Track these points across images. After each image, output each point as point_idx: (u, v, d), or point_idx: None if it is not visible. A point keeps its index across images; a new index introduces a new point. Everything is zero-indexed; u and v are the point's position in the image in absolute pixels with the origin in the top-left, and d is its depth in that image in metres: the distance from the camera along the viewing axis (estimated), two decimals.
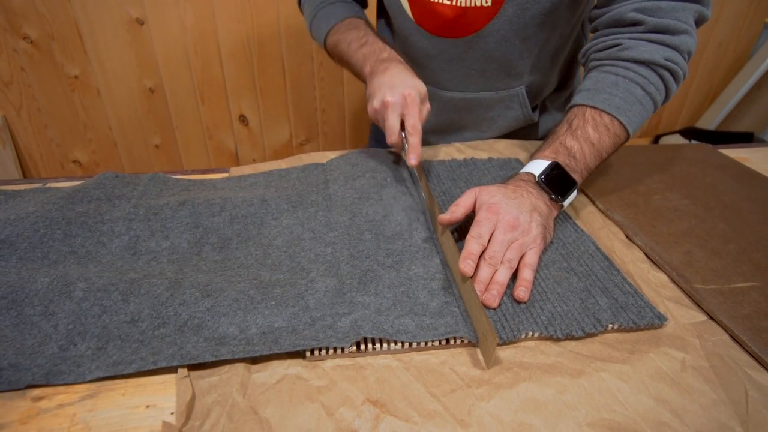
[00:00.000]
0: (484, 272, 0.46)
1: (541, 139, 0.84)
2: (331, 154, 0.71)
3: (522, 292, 0.45)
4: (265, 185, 0.63)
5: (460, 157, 0.73)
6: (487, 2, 0.65)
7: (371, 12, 0.82)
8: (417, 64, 0.75)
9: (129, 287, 0.45)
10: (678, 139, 1.79)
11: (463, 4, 0.66)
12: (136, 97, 1.41)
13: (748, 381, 0.38)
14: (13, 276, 0.45)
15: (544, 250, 0.52)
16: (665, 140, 1.82)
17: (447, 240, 0.51)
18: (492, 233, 0.48)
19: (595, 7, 0.63)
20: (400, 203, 0.58)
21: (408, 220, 0.55)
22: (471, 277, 0.45)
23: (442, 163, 0.70)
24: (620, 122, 0.57)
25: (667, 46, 0.57)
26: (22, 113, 1.38)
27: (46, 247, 0.50)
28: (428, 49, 0.73)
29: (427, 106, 0.63)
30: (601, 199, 0.62)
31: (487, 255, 0.47)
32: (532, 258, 0.48)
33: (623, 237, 0.56)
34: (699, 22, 0.59)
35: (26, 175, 1.48)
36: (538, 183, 0.54)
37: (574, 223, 0.57)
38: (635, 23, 0.58)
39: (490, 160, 0.71)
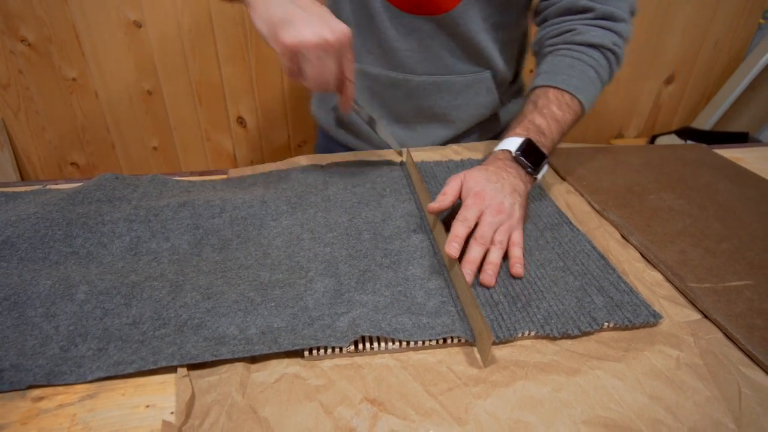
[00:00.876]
0: (475, 252, 0.49)
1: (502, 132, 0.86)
2: (330, 157, 0.72)
3: (517, 268, 0.49)
4: (264, 186, 0.64)
5: (456, 158, 0.73)
6: None
7: None
8: (385, 47, 0.73)
9: (131, 291, 0.45)
10: (674, 139, 1.80)
11: None
12: (134, 99, 1.42)
13: (741, 378, 0.39)
14: (15, 278, 0.46)
15: (532, 237, 0.55)
16: (661, 140, 1.83)
17: (440, 231, 0.52)
18: (479, 217, 0.51)
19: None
20: (399, 211, 0.58)
21: (406, 223, 0.56)
22: (461, 261, 0.47)
23: (439, 164, 0.70)
24: (579, 100, 0.63)
25: (613, 32, 0.64)
26: (20, 115, 1.38)
27: (47, 247, 0.50)
28: (398, 27, 0.71)
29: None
30: (597, 199, 0.63)
31: (477, 235, 0.50)
32: (518, 237, 0.52)
33: (619, 236, 0.57)
34: (632, 14, 0.66)
35: (24, 178, 1.48)
36: (515, 158, 0.57)
37: (570, 223, 0.57)
38: (586, 9, 0.64)
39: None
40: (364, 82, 0.77)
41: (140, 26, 1.31)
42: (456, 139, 0.82)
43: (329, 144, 0.88)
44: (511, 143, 0.59)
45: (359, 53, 0.75)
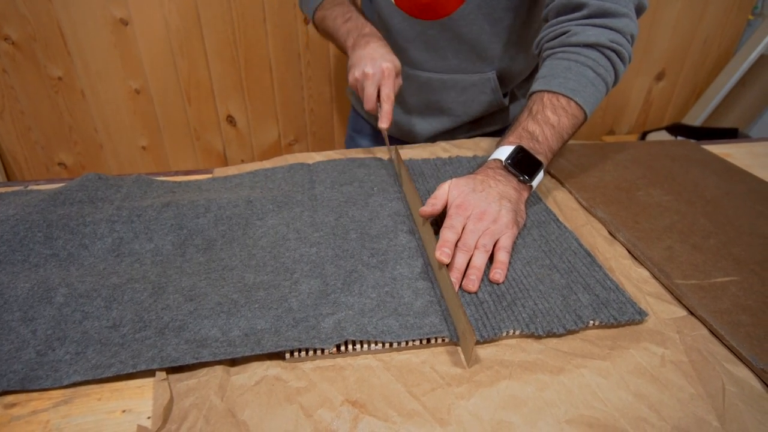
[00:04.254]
0: (459, 259, 0.48)
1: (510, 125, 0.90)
2: (317, 156, 0.71)
3: (498, 274, 0.48)
4: (250, 186, 0.63)
5: (445, 155, 0.73)
6: None
7: None
8: (397, 47, 0.78)
9: (112, 293, 0.44)
10: (664, 135, 1.81)
11: None
12: (122, 98, 1.40)
13: (725, 375, 0.39)
14: None
15: (519, 234, 0.54)
16: (652, 136, 1.83)
17: (427, 231, 0.52)
18: (464, 226, 0.51)
19: None
20: (386, 210, 0.58)
21: (393, 222, 0.55)
22: (448, 266, 0.47)
23: (427, 162, 0.70)
24: (576, 103, 0.60)
25: (611, 29, 0.61)
26: (5, 116, 1.36)
27: (27, 250, 0.49)
28: (407, 31, 0.77)
29: (400, 80, 0.70)
30: (585, 196, 0.62)
31: (460, 243, 0.49)
32: (506, 242, 0.50)
33: (606, 233, 0.56)
34: (639, 10, 0.64)
35: (10, 178, 1.46)
36: (505, 167, 0.57)
37: (557, 220, 0.57)
38: (580, 6, 0.62)
39: (474, 157, 0.71)
40: None
41: (127, 24, 1.30)
42: (463, 128, 0.88)
43: (358, 120, 0.99)
44: (503, 152, 0.58)
45: None
